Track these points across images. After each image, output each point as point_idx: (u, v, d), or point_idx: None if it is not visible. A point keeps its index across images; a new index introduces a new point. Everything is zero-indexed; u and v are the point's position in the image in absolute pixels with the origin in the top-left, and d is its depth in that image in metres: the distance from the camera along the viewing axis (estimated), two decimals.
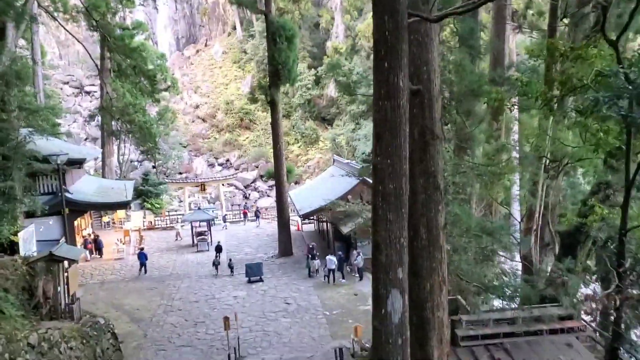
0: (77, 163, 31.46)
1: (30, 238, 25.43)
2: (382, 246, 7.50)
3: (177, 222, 40.77)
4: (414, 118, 8.56)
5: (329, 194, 31.29)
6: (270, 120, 33.26)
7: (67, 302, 13.98)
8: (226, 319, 19.04)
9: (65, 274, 14.18)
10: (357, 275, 28.25)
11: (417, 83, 9.64)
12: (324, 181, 37.85)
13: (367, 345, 18.67)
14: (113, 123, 40.63)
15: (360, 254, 28.40)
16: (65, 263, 16.40)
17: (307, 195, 36.48)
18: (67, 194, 30.54)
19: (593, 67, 9.98)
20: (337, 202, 26.73)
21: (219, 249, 31.52)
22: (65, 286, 14.07)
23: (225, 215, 44.93)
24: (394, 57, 7.31)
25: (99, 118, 43.92)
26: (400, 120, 7.34)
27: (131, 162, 70.87)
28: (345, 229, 29.89)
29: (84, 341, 12.74)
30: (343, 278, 27.97)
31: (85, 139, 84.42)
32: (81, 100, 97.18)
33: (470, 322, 15.41)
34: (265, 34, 32.66)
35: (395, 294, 7.51)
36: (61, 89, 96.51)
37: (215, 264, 30.03)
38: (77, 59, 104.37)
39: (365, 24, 75.19)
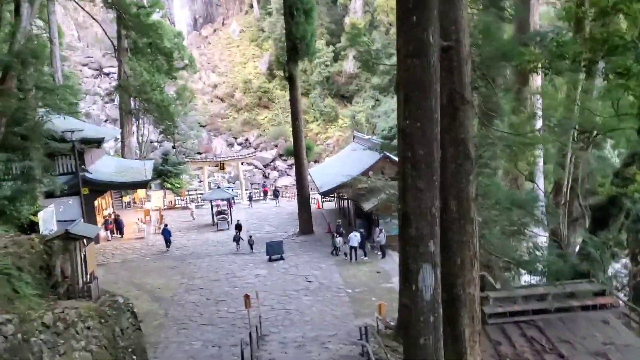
0: (95, 142, 31.28)
1: (50, 218, 25.31)
2: (411, 217, 6.92)
3: (191, 202, 40.60)
4: (442, 81, 7.87)
5: (349, 171, 30.66)
6: (288, 97, 32.70)
7: (85, 281, 13.71)
8: (247, 297, 18.71)
9: (83, 253, 13.89)
10: (380, 252, 27.74)
11: None
12: (345, 158, 37.23)
13: (391, 323, 18.24)
14: (131, 102, 40.47)
15: (383, 230, 27.86)
16: (85, 242, 16.16)
17: (327, 172, 35.94)
18: (86, 174, 30.47)
19: (638, 23, 9.17)
20: (359, 177, 26.00)
21: (239, 227, 31.20)
22: (83, 265, 13.79)
23: (251, 193, 44.42)
24: (423, 10, 6.64)
25: (117, 98, 43.73)
26: (430, 80, 6.69)
27: (151, 142, 70.95)
28: (367, 206, 29.35)
29: (102, 320, 12.46)
30: (365, 255, 27.49)
31: (105, 121, 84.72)
32: (100, 82, 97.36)
33: (498, 299, 14.84)
34: (283, 9, 31.92)
35: (426, 269, 6.95)
36: (80, 70, 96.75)
37: (236, 239, 29.96)
38: (96, 41, 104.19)
39: None
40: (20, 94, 24.03)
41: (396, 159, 31.29)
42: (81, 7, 37.96)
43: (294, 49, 30.56)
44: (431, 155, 6.77)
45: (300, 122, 32.26)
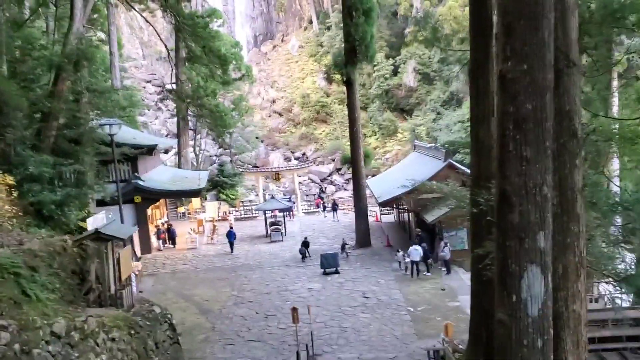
0: (148, 149, 30.62)
1: (100, 225, 24.49)
2: (513, 198, 4.99)
3: (229, 213, 39.36)
4: None
5: (410, 181, 28.52)
6: (346, 112, 31.01)
7: (117, 287, 12.38)
8: (294, 310, 16.69)
9: (116, 256, 12.58)
10: (444, 268, 25.39)
11: None
12: (405, 168, 35.10)
13: (460, 346, 15.96)
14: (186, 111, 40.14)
15: (448, 244, 25.53)
16: (124, 245, 14.98)
17: (386, 182, 33.91)
18: (138, 181, 29.81)
19: None
20: (425, 182, 23.61)
21: (306, 244, 29.38)
22: (116, 269, 12.49)
23: (325, 202, 42.76)
24: None
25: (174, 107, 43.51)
26: (543, 3, 4.78)
27: (210, 156, 71.13)
28: (429, 218, 27.13)
29: (133, 332, 11.03)
30: (428, 271, 25.22)
31: (166, 135, 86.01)
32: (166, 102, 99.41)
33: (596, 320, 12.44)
34: (341, 11, 30.48)
35: (533, 273, 4.98)
36: (144, 87, 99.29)
37: (302, 253, 28.88)
38: (160, 58, 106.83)
39: (447, 7, 71.09)
40: (72, 97, 23.58)
41: (463, 168, 29.15)
42: (136, 10, 37.78)
43: (352, 51, 28.93)
44: (543, 110, 4.82)
45: (359, 129, 30.48)
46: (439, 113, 75.07)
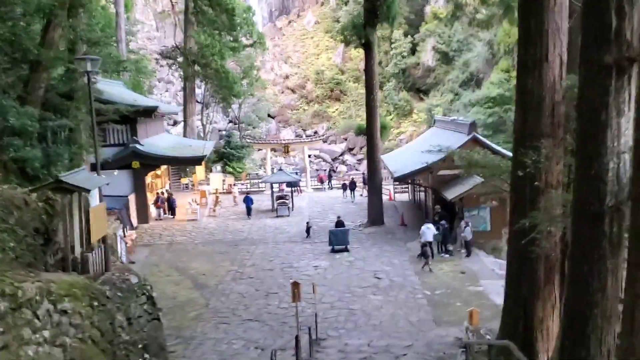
0: (147, 111, 28.56)
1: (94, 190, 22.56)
2: None
3: (233, 185, 36.96)
4: None
5: (429, 156, 26.04)
6: (361, 90, 28.65)
7: (83, 249, 10.30)
8: (295, 285, 13.61)
9: (84, 213, 10.48)
10: (465, 250, 23.16)
11: None
12: (423, 142, 32.56)
13: (487, 336, 13.78)
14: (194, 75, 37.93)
15: (469, 224, 23.26)
16: (94, 202, 12.92)
17: (403, 158, 31.59)
18: (137, 145, 27.81)
19: None
20: (452, 151, 20.52)
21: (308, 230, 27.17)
22: (84, 228, 10.42)
23: (351, 182, 36.80)
24: None
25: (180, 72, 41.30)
26: None
27: (219, 131, 68.92)
28: (450, 195, 24.87)
29: (96, 304, 8.96)
30: (447, 253, 23.00)
31: None
32: (174, 70, 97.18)
33: None
34: None
35: None
36: (156, 59, 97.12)
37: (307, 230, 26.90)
38: (173, 30, 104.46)
39: None
40: (65, 47, 21.61)
41: (488, 142, 26.72)
42: None
43: (372, 11, 26.44)
44: None
45: (376, 97, 28.07)
46: (456, 94, 72.21)
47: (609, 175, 6.66)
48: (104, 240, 11.48)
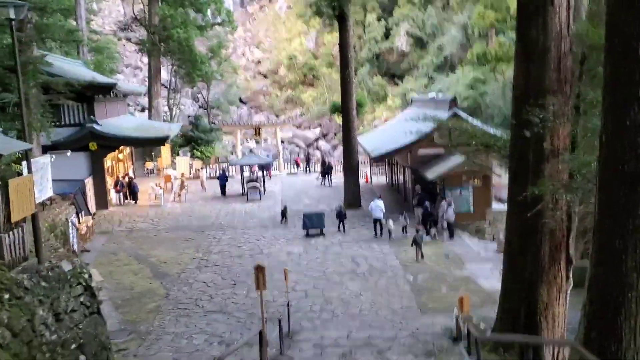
0: (103, 88, 26.41)
1: (43, 172, 20.47)
2: None
3: (201, 169, 34.94)
4: None
5: (407, 136, 24.53)
6: (336, 71, 26.77)
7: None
8: (259, 270, 11.22)
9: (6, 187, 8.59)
10: (447, 231, 21.77)
11: None
12: (401, 123, 31.09)
13: (482, 324, 12.29)
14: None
15: (452, 204, 21.88)
16: (23, 176, 11.13)
17: (380, 138, 30.05)
18: (94, 125, 25.66)
19: None
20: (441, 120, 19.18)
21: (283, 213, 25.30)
22: (1, 204, 8.54)
23: (327, 166, 34.18)
24: None
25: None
26: None
27: (188, 116, 66.41)
28: (430, 175, 23.47)
29: (7, 296, 7.11)
30: (428, 234, 21.54)
31: (145, 95, 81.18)
32: (142, 57, 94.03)
33: None
34: None
35: None
36: (124, 45, 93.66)
37: (283, 214, 24.91)
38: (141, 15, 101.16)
39: None
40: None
41: (470, 118, 25.33)
42: None
43: None
44: None
45: (351, 72, 26.35)
46: (431, 78, 71.16)
47: None
48: (33, 220, 9.62)
